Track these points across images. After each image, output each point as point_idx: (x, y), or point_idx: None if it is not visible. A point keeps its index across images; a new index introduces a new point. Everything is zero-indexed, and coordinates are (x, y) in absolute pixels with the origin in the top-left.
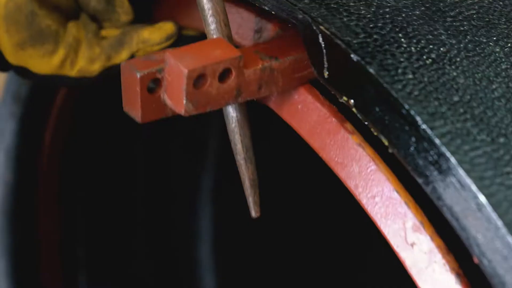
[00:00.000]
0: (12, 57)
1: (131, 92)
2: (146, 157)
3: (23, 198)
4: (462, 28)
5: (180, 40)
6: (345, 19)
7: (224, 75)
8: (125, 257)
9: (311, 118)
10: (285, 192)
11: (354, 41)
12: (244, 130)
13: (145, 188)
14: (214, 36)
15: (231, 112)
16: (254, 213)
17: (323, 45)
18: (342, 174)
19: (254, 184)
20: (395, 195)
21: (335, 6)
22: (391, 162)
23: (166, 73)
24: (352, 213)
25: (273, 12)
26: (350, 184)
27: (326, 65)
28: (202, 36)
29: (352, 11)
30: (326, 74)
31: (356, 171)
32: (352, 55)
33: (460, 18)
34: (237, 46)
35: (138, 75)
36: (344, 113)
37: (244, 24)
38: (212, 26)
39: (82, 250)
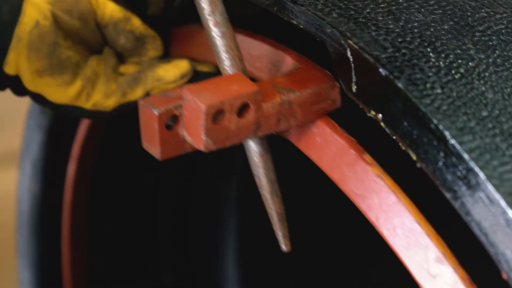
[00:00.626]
0: (29, 84)
1: (150, 129)
2: (172, 169)
3: (49, 210)
4: (490, 43)
5: (195, 76)
6: (373, 34)
7: (242, 110)
8: (150, 270)
9: (330, 150)
10: (307, 206)
11: (383, 56)
12: (267, 164)
13: (170, 200)
14: (229, 72)
15: (252, 146)
16: (284, 247)
17: (351, 60)
18: (362, 206)
19: (282, 218)
20: (417, 226)
21: (363, 20)
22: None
23: (184, 109)
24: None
25: (301, 26)
26: (371, 216)
27: (354, 79)
28: (218, 71)
29: (380, 25)
30: (354, 88)
31: (377, 203)
32: (380, 70)
33: (489, 32)
34: (253, 79)
35: (156, 113)
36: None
37: (262, 57)
38: (226, 63)
39: (107, 263)
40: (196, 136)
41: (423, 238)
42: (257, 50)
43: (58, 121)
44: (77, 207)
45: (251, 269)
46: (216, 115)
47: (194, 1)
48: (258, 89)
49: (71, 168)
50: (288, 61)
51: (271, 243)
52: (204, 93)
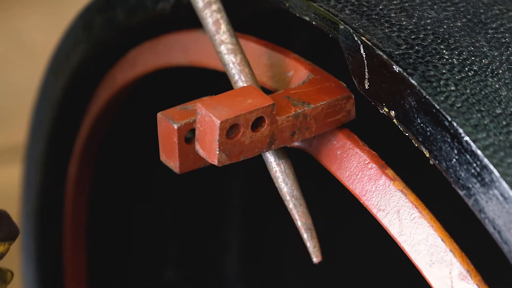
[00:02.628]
0: None
1: (168, 143)
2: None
3: (53, 206)
4: (504, 40)
5: None
6: (386, 30)
7: (257, 124)
8: (152, 266)
9: (351, 164)
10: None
11: (396, 52)
12: (287, 175)
13: (172, 197)
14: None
15: (270, 159)
16: (315, 258)
17: (364, 56)
18: (384, 221)
19: (310, 228)
20: (440, 243)
21: (376, 17)
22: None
23: (198, 123)
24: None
25: (313, 23)
26: (393, 231)
27: (367, 76)
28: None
29: (393, 22)
30: (367, 85)
31: (399, 218)
32: (394, 66)
33: (502, 30)
34: (265, 88)
35: (176, 126)
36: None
37: (273, 66)
38: (236, 78)
39: (109, 259)
40: (210, 150)
41: (447, 255)
42: (269, 59)
43: (63, 117)
44: (78, 203)
45: (254, 266)
46: (230, 129)
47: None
48: (273, 102)
49: (73, 164)
50: (301, 71)
51: (275, 241)
52: (218, 107)
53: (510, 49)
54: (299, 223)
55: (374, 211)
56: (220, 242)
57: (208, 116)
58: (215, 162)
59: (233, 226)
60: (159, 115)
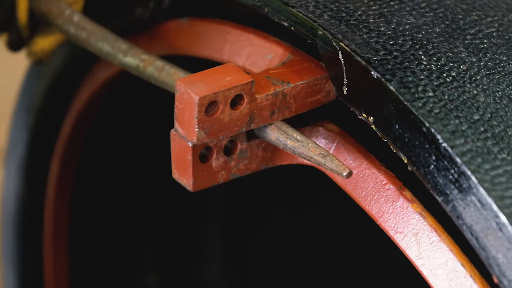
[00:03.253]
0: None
1: (182, 160)
2: (157, 170)
3: (34, 211)
4: (482, 46)
5: None
6: (365, 36)
7: (236, 102)
8: (132, 270)
9: (368, 184)
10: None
11: (374, 58)
12: (284, 131)
13: (154, 201)
14: None
15: (270, 135)
16: (344, 173)
17: (343, 62)
18: (402, 243)
19: (325, 155)
20: (460, 268)
21: (355, 22)
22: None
23: (176, 101)
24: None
25: (292, 28)
26: (411, 254)
27: (345, 82)
28: None
29: (372, 28)
30: (345, 90)
31: (417, 242)
32: (372, 72)
33: (480, 36)
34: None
35: (190, 144)
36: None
37: (255, 51)
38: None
39: (89, 263)
40: (189, 128)
41: (467, 280)
42: (251, 43)
43: (43, 120)
44: (60, 207)
45: (235, 272)
46: (209, 106)
47: None
48: (252, 80)
49: (54, 167)
50: (281, 53)
51: (257, 246)
52: (197, 84)
53: (488, 55)
54: (314, 157)
55: (391, 233)
56: (200, 247)
57: (187, 93)
58: (194, 140)
59: (214, 231)
60: (172, 131)
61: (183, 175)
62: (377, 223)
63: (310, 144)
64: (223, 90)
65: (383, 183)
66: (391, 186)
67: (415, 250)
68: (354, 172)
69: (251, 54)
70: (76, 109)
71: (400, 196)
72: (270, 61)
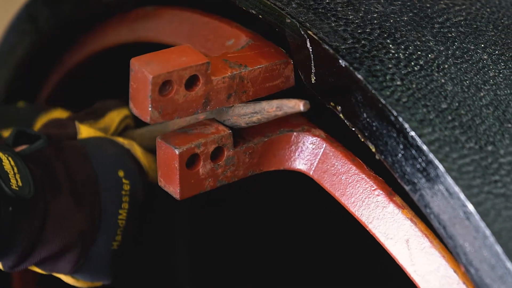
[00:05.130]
0: None
1: (169, 168)
2: None
3: None
4: (450, 35)
5: None
6: (333, 24)
7: (191, 82)
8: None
9: (356, 190)
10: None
11: (342, 47)
12: (248, 116)
13: None
14: None
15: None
16: (302, 107)
17: (311, 50)
18: (392, 250)
19: (280, 102)
20: (453, 274)
21: (323, 11)
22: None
23: (131, 80)
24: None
25: (260, 16)
26: (402, 261)
27: (313, 70)
28: None
29: (340, 16)
30: (313, 79)
31: (408, 248)
32: (340, 61)
33: (448, 24)
34: None
35: (177, 152)
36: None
37: (214, 35)
38: None
39: None
40: (142, 107)
41: (460, 287)
42: (211, 29)
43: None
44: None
45: (203, 263)
46: (163, 86)
47: None
48: (208, 61)
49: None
50: (242, 39)
51: (222, 241)
52: (152, 63)
53: (456, 43)
54: (273, 114)
55: (382, 239)
56: (169, 239)
57: (141, 71)
58: (148, 120)
59: (182, 223)
60: (158, 139)
61: (170, 182)
62: (367, 229)
63: (265, 108)
64: (177, 70)
65: (373, 189)
66: (381, 192)
67: (406, 256)
68: (342, 177)
69: (212, 39)
70: (44, 97)
71: (390, 202)
72: (231, 47)
